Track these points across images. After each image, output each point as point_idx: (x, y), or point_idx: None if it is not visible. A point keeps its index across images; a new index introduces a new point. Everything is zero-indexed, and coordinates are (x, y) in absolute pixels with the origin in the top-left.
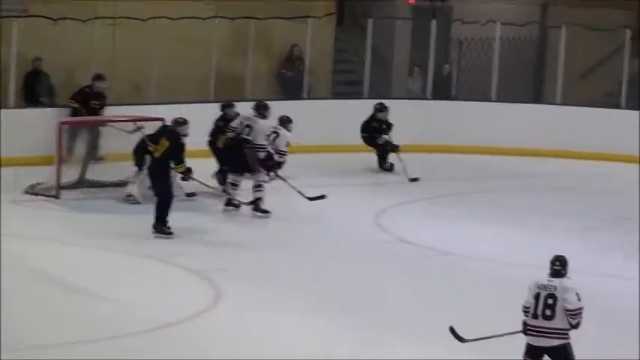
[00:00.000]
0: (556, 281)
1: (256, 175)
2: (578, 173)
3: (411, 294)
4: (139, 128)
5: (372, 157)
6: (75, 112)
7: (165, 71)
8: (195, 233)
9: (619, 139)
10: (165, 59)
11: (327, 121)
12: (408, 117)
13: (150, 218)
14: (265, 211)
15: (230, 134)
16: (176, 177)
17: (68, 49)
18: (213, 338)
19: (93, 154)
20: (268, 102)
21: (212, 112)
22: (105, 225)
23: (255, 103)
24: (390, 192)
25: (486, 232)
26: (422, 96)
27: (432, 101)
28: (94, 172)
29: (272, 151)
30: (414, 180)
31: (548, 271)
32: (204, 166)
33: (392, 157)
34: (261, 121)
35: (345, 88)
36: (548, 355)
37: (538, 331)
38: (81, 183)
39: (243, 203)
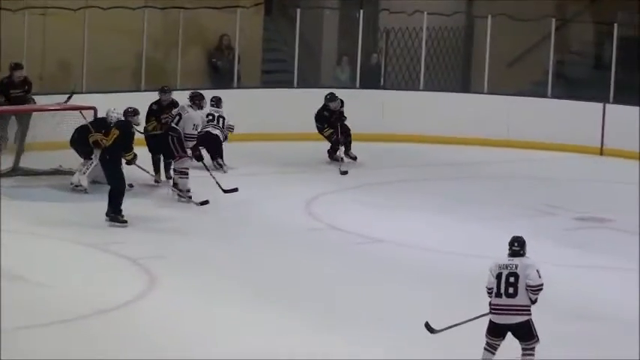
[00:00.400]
0: (516, 260)
1: (178, 162)
2: (506, 161)
3: (344, 281)
4: (72, 93)
5: (301, 145)
6: None
7: (96, 61)
8: (131, 221)
9: (546, 128)
10: (96, 49)
11: (256, 109)
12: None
13: (86, 206)
14: (189, 197)
15: (163, 121)
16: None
17: None
18: (148, 324)
19: (23, 142)
20: (199, 91)
21: (143, 100)
22: (41, 212)
23: (190, 92)
24: (320, 180)
25: (416, 220)
26: (350, 85)
27: (361, 90)
28: (27, 161)
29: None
30: (344, 173)
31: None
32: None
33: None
34: (191, 111)
35: (275, 76)
36: (512, 332)
37: (502, 309)
38: (15, 171)
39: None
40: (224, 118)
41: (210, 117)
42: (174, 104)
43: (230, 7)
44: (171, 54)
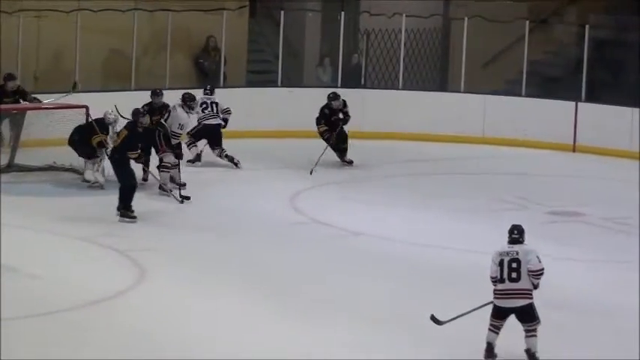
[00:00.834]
0: (516, 247)
1: (161, 156)
2: (482, 157)
3: (331, 272)
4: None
5: (285, 142)
6: None
7: (87, 61)
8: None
9: (521, 125)
10: (87, 50)
11: (242, 108)
12: (319, 105)
13: (78, 200)
14: (169, 190)
15: (155, 118)
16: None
17: None
18: (139, 315)
19: (18, 140)
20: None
21: (132, 100)
22: (34, 207)
23: (183, 93)
24: (304, 176)
25: (396, 214)
26: (332, 84)
27: (342, 89)
28: (22, 157)
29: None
30: (311, 172)
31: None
32: None
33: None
34: (180, 111)
35: (259, 77)
36: (516, 315)
37: (506, 294)
38: (10, 167)
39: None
40: (217, 103)
41: (204, 105)
42: (165, 107)
43: (216, 10)
44: (160, 55)
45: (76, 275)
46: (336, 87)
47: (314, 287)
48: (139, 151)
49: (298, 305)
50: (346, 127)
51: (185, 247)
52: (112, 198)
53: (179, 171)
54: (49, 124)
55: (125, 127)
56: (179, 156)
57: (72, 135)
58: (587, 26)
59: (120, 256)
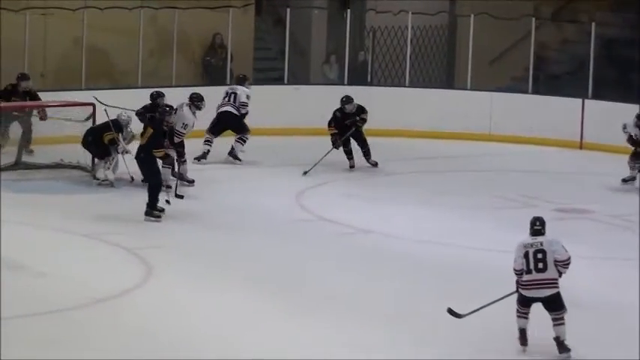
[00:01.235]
0: (540, 238)
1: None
2: (489, 154)
3: (336, 270)
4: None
5: (292, 139)
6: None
7: (94, 59)
8: (128, 212)
9: (527, 122)
10: (94, 47)
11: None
12: (326, 102)
13: (85, 197)
14: (168, 186)
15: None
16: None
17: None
18: (145, 313)
19: (27, 139)
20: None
21: (139, 98)
22: (42, 204)
23: (192, 93)
24: (309, 173)
25: (403, 211)
26: (339, 82)
27: (349, 87)
28: (28, 155)
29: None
30: (305, 174)
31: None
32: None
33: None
34: (186, 110)
35: (266, 74)
36: (543, 304)
37: (533, 284)
38: (17, 165)
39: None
40: (236, 94)
41: (225, 94)
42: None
43: (222, 8)
44: (167, 53)
45: (82, 273)
46: (343, 84)
47: (319, 285)
48: (164, 151)
49: (304, 303)
50: None
51: (192, 244)
52: (120, 196)
53: (186, 169)
54: (56, 122)
55: (151, 125)
56: (181, 155)
57: (85, 136)
58: (593, 23)
59: (127, 254)
